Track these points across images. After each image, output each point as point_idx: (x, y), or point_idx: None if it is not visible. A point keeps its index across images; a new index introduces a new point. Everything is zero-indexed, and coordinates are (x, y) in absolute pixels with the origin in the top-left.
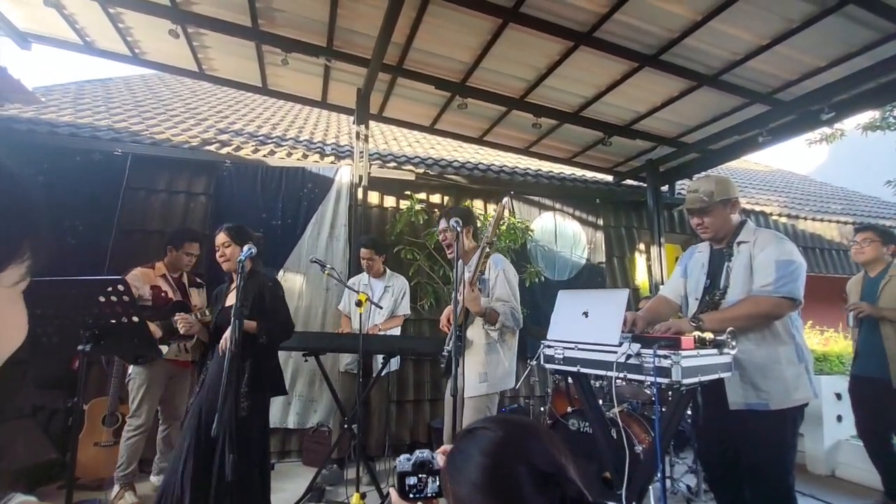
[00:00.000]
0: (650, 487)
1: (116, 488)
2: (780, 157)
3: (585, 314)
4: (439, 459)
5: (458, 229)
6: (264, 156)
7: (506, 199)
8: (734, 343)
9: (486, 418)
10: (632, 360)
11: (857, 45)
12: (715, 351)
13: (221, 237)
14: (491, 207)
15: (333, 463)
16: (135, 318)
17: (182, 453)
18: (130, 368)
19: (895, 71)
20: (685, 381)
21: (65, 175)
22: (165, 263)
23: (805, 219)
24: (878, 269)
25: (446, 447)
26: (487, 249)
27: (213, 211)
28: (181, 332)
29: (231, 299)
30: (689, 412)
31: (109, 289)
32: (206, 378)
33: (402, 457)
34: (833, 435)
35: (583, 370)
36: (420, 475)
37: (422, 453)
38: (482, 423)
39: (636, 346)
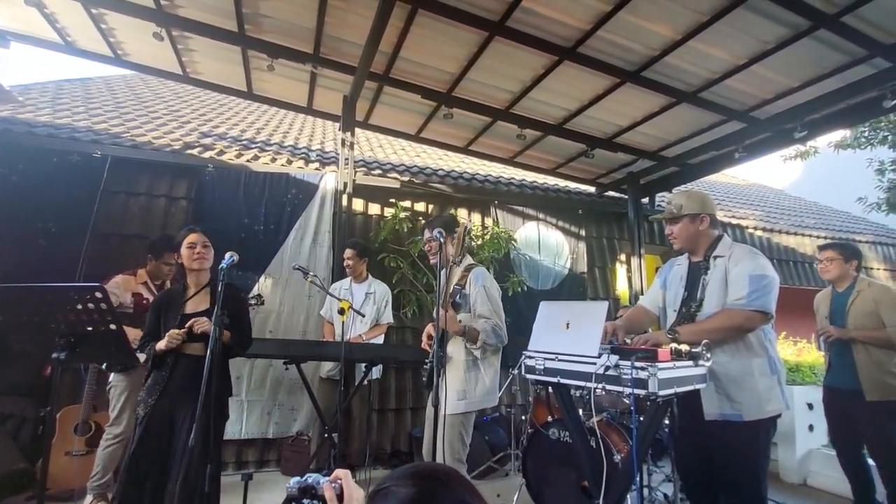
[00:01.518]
0: (628, 496)
1: (89, 498)
2: (757, 172)
3: (566, 326)
4: (324, 486)
5: (441, 240)
6: (248, 160)
7: (468, 223)
8: (709, 355)
9: (394, 474)
10: (610, 372)
11: (829, 67)
12: (690, 363)
13: (201, 236)
14: (476, 217)
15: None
16: (112, 326)
17: (137, 461)
18: (111, 376)
19: (864, 93)
20: (661, 393)
21: (40, 176)
22: (147, 271)
23: (780, 232)
24: (845, 284)
25: (339, 472)
26: (462, 266)
27: (195, 215)
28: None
29: (191, 306)
30: (666, 421)
31: (87, 296)
32: (166, 384)
33: (293, 479)
34: (805, 444)
35: (563, 381)
36: (304, 500)
37: (310, 477)
38: (391, 480)
39: (614, 358)
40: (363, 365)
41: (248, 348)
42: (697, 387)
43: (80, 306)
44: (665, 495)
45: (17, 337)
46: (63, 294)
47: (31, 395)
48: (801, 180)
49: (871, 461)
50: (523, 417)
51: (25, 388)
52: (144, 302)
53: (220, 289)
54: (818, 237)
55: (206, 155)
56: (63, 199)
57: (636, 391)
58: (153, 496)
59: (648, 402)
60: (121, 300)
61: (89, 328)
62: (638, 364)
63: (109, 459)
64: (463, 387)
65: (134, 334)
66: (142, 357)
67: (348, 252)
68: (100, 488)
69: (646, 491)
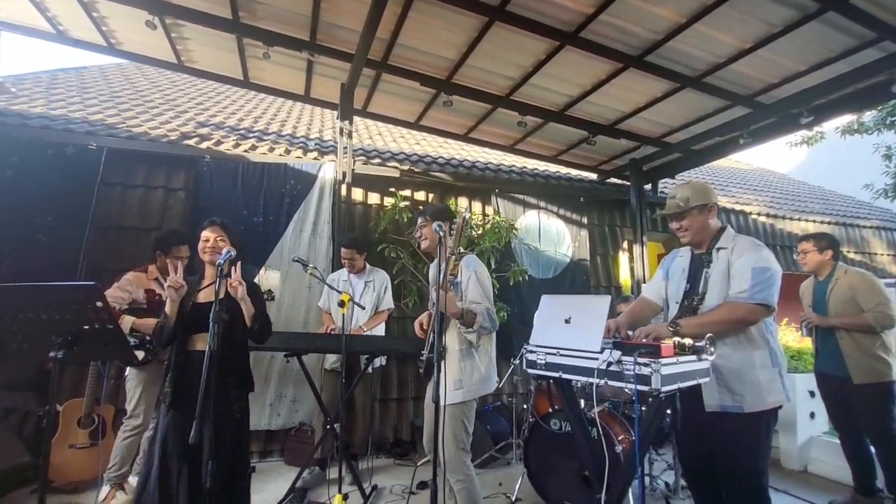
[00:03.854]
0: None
1: (106, 489)
2: (760, 156)
3: (568, 320)
4: None
5: (441, 233)
6: (245, 151)
7: (466, 215)
8: (713, 349)
9: None
10: (613, 368)
11: (837, 50)
12: (694, 357)
13: (216, 230)
14: (476, 205)
15: (316, 465)
16: (108, 325)
17: (174, 462)
18: (127, 369)
19: (871, 77)
20: (664, 389)
21: (36, 169)
22: (158, 267)
23: (784, 218)
24: (825, 273)
25: None
26: (454, 257)
27: (193, 207)
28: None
29: (204, 295)
30: (667, 410)
31: (81, 295)
32: (180, 381)
33: None
34: (806, 431)
35: (564, 376)
36: None
37: None
38: None
39: (617, 354)
40: (365, 356)
41: (269, 335)
42: (701, 381)
43: (75, 305)
44: (666, 483)
45: (13, 336)
46: (57, 293)
47: (33, 389)
48: (804, 164)
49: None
50: (525, 406)
51: (28, 383)
52: (157, 298)
53: (217, 286)
54: (822, 223)
55: (204, 145)
56: (61, 193)
57: (639, 387)
58: (183, 491)
59: (651, 398)
60: (134, 296)
61: (85, 327)
62: (641, 360)
63: (127, 451)
64: (459, 376)
65: (151, 323)
66: (140, 354)
67: (345, 252)
68: (118, 479)
69: (647, 480)
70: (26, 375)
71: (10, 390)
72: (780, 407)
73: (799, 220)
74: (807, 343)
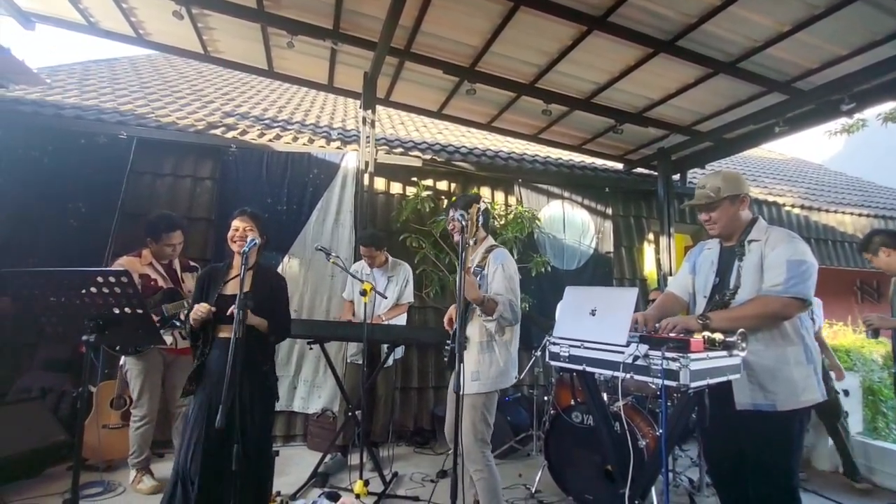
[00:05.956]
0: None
1: (133, 473)
2: (795, 145)
3: (593, 312)
4: None
5: (463, 222)
6: (270, 140)
7: (481, 204)
8: (744, 345)
9: None
10: (639, 362)
11: (882, 33)
12: (724, 353)
13: (246, 220)
14: (499, 195)
15: (337, 451)
16: (138, 310)
17: (190, 446)
18: (123, 359)
19: None
20: (693, 385)
21: (69, 158)
22: (151, 252)
23: (819, 210)
24: None
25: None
26: (483, 247)
27: (219, 195)
28: (193, 323)
29: (231, 287)
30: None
31: (112, 280)
32: (204, 368)
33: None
34: None
35: (589, 369)
36: None
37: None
38: None
39: (644, 348)
40: (386, 346)
41: (285, 338)
42: (731, 377)
43: (106, 290)
44: (690, 480)
45: (49, 319)
46: (90, 278)
47: (69, 369)
48: (842, 154)
49: None
50: (545, 398)
51: (64, 364)
52: (152, 283)
53: (241, 273)
54: (860, 215)
55: (230, 135)
56: (92, 181)
57: (666, 382)
58: (209, 477)
59: (678, 394)
60: None
61: (116, 311)
62: (669, 354)
63: (142, 439)
64: (477, 368)
65: None
66: (169, 339)
67: (364, 250)
68: (141, 464)
69: (670, 476)
70: (62, 357)
71: (47, 370)
72: (813, 405)
73: (835, 212)
74: (841, 340)
